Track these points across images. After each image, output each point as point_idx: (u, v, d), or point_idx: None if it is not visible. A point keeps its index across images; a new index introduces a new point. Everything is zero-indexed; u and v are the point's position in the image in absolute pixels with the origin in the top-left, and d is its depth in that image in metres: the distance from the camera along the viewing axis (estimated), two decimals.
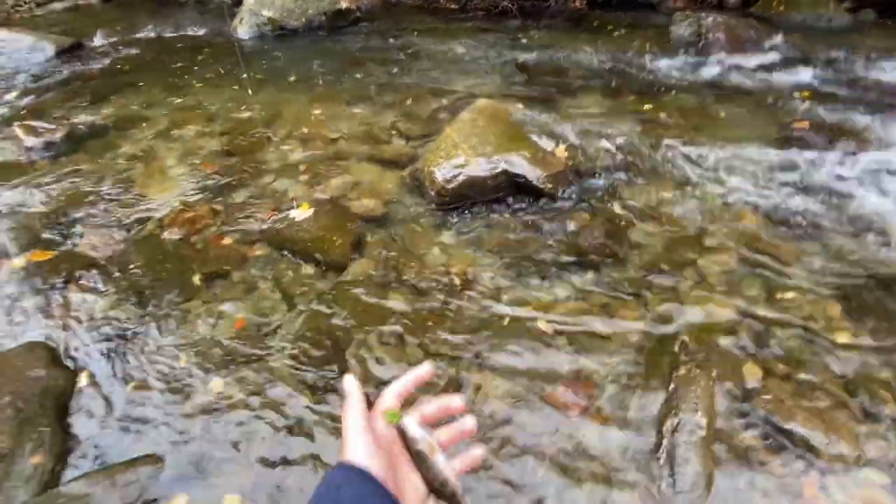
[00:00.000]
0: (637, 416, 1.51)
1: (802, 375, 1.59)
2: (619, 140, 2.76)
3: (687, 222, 2.26)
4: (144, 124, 3.41)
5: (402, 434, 0.61)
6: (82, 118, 3.51)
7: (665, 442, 1.42)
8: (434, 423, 0.65)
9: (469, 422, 0.65)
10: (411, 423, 0.61)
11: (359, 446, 0.57)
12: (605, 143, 2.76)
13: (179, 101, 3.74)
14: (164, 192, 2.70)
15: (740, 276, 1.97)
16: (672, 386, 1.56)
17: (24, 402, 1.47)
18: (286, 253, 2.23)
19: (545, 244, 2.20)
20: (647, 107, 3.16)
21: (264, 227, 2.36)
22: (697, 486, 1.33)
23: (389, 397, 0.64)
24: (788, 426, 1.43)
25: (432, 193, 2.42)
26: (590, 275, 2.05)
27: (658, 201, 2.39)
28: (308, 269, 2.15)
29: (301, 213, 2.38)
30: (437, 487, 0.60)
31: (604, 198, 2.43)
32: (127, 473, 1.32)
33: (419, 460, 0.60)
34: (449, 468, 0.60)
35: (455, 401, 0.65)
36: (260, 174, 2.79)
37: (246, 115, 3.47)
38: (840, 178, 2.42)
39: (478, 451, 0.65)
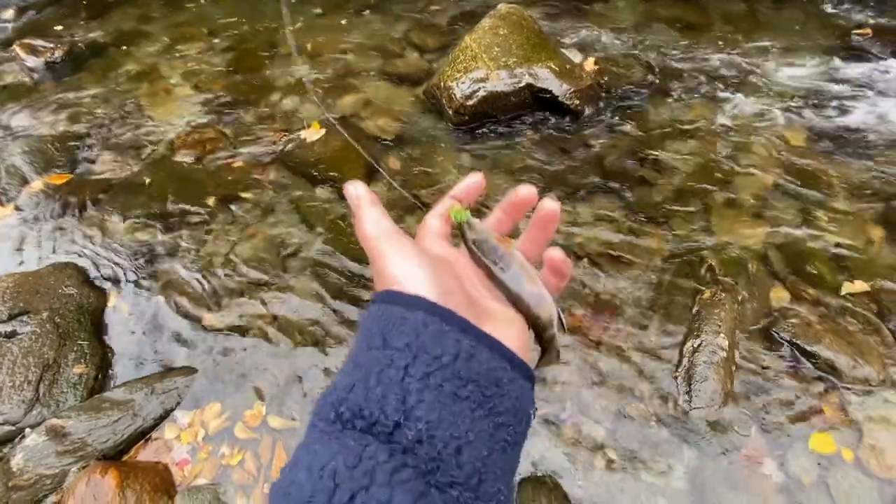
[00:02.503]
0: (657, 337, 1.51)
1: (833, 300, 1.54)
2: (654, 52, 2.51)
3: (722, 142, 2.10)
4: (145, 41, 3.23)
5: (473, 243, 0.41)
6: (81, 35, 3.34)
7: (685, 361, 1.42)
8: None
9: (548, 204, 0.41)
10: (480, 224, 0.42)
11: (406, 262, 0.35)
12: (637, 55, 2.52)
13: (178, 15, 3.50)
14: (172, 113, 2.61)
15: (775, 199, 1.86)
16: (696, 308, 1.53)
17: (60, 317, 1.52)
18: (299, 175, 2.17)
19: (569, 166, 2.09)
20: (687, 13, 2.84)
21: (276, 148, 2.28)
22: (714, 403, 1.35)
23: (448, 201, 0.43)
24: (813, 349, 1.41)
25: (450, 112, 2.28)
26: (615, 198, 1.96)
27: (692, 119, 2.21)
28: (323, 192, 2.10)
29: (312, 133, 2.28)
30: (533, 315, 0.40)
31: (633, 116, 2.26)
32: (165, 382, 1.39)
33: (505, 277, 0.40)
34: (542, 286, 0.41)
35: (522, 189, 0.42)
36: (267, 93, 2.66)
37: (250, 28, 3.24)
38: None
39: (556, 254, 0.41)
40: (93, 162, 2.35)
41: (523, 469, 1.27)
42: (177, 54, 3.05)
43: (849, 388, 1.35)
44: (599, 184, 2.03)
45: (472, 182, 0.44)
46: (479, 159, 2.18)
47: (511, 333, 0.37)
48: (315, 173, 2.16)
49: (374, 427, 0.28)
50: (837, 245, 1.68)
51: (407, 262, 0.35)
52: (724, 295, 1.54)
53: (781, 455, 1.27)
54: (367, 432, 0.28)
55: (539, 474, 1.26)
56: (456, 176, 2.11)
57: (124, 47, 3.18)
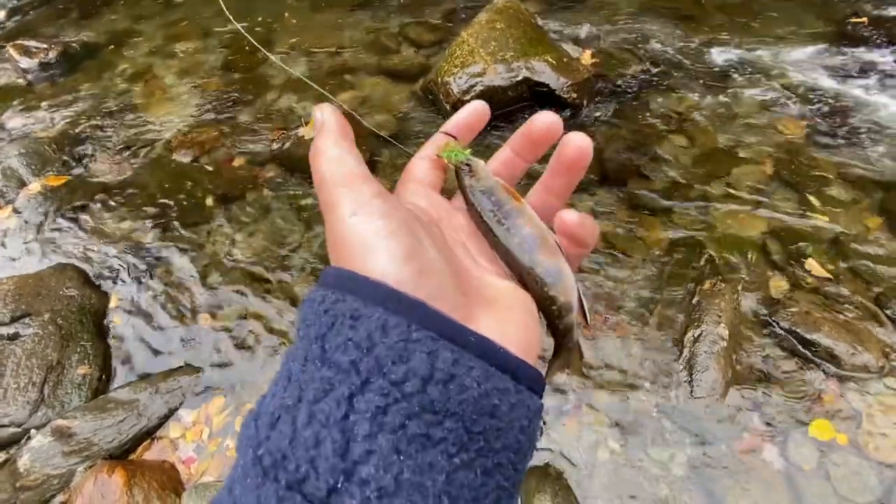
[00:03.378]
0: (658, 328, 1.52)
1: (832, 288, 1.55)
2: (651, 43, 2.51)
3: (720, 133, 2.11)
4: (139, 40, 3.22)
5: (472, 193, 0.31)
6: (74, 35, 3.32)
7: (686, 351, 1.43)
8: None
9: (574, 140, 0.30)
10: (483, 168, 0.32)
11: (368, 222, 0.24)
12: (634, 47, 2.52)
13: (171, 13, 3.48)
14: (168, 112, 2.60)
15: (773, 189, 1.87)
16: (696, 299, 1.54)
17: (63, 318, 1.52)
18: (298, 174, 2.17)
19: None
20: (684, 4, 2.84)
21: (273, 147, 2.28)
22: (715, 392, 1.36)
23: (440, 137, 0.34)
24: (812, 337, 1.42)
25: (447, 107, 2.28)
26: (614, 191, 1.96)
27: (690, 110, 2.22)
28: None
29: (309, 131, 2.28)
30: (547, 296, 0.30)
31: (631, 108, 2.26)
32: (168, 381, 1.39)
33: (506, 239, 0.30)
34: (562, 256, 0.30)
35: (541, 117, 0.31)
36: (264, 91, 2.66)
37: (245, 26, 3.23)
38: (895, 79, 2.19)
39: (570, 217, 0.30)
40: (90, 163, 2.34)
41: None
42: (171, 54, 3.04)
43: (848, 375, 1.37)
44: (597, 177, 2.03)
45: (472, 111, 0.33)
46: (477, 154, 2.18)
47: (515, 324, 0.26)
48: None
49: (302, 485, 0.19)
50: (835, 234, 1.69)
51: (370, 221, 0.23)
52: (723, 285, 1.55)
53: (782, 442, 1.29)
54: (294, 490, 0.19)
55: (542, 465, 1.27)
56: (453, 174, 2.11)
57: (118, 47, 3.16)
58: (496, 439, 0.21)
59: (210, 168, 2.23)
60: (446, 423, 0.20)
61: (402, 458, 0.19)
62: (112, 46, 3.19)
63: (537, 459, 1.28)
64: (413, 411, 0.20)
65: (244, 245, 1.91)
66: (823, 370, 1.39)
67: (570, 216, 0.30)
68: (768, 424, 1.32)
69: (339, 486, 0.19)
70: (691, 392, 1.36)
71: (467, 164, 0.33)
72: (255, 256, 1.86)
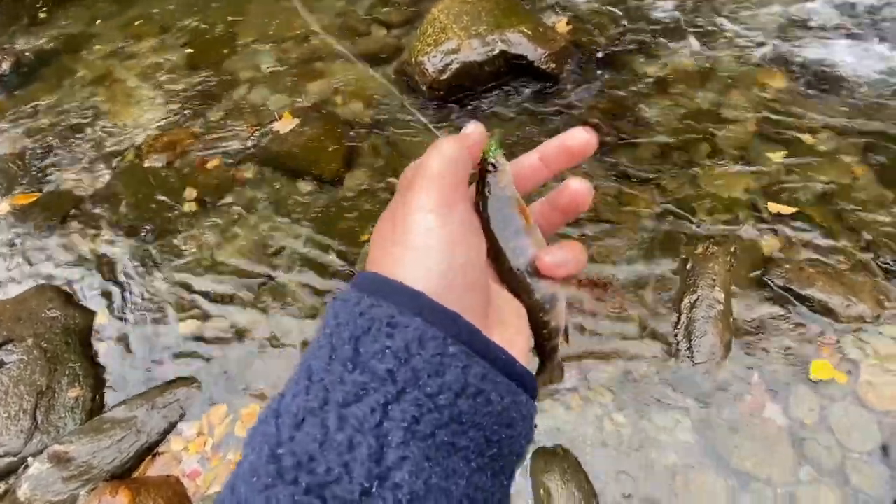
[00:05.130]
0: (654, 297, 1.51)
1: (824, 241, 1.55)
2: (626, 6, 2.44)
3: (703, 92, 2.07)
4: (96, 43, 3.07)
5: (489, 200, 0.31)
6: (26, 44, 3.16)
7: (683, 318, 1.43)
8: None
9: (573, 186, 0.32)
10: (508, 174, 0.32)
11: (429, 235, 0.24)
12: (610, 11, 2.46)
13: (127, 12, 3.32)
14: (135, 117, 2.50)
15: (759, 145, 1.85)
16: (690, 265, 1.53)
17: (47, 342, 1.48)
18: (277, 171, 2.11)
19: (550, 131, 2.06)
20: None
21: (249, 144, 2.21)
22: (714, 356, 1.36)
23: (480, 129, 0.33)
24: (807, 292, 1.42)
25: (424, 88, 2.21)
26: (600, 160, 1.93)
27: (670, 72, 2.18)
28: (303, 186, 2.05)
29: (285, 124, 2.21)
30: (543, 320, 0.32)
31: (611, 74, 2.21)
32: (165, 395, 1.36)
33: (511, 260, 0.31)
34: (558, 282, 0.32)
35: (578, 134, 0.33)
36: (233, 86, 2.56)
37: (206, 19, 3.09)
38: (882, 20, 2.17)
39: (578, 186, 0.33)
40: (59, 177, 2.25)
41: (535, 442, 1.29)
42: (131, 54, 2.91)
43: (844, 328, 1.38)
44: None
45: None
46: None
47: (520, 335, 0.28)
48: (293, 166, 2.10)
49: (326, 489, 0.19)
50: (823, 186, 1.68)
51: (440, 225, 0.24)
52: (716, 248, 1.54)
53: (783, 399, 1.30)
54: (313, 495, 0.19)
55: (550, 445, 1.27)
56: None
57: (75, 52, 3.02)
58: (508, 446, 0.23)
59: (185, 172, 2.16)
60: (470, 433, 0.22)
61: (430, 464, 0.20)
62: (68, 52, 3.05)
63: (544, 439, 1.29)
64: (443, 422, 0.21)
65: (229, 248, 1.86)
66: (820, 324, 1.40)
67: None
68: (769, 383, 1.33)
69: (374, 490, 0.19)
70: (691, 358, 1.37)
71: (494, 165, 0.32)
72: (241, 259, 1.82)
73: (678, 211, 1.72)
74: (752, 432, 1.26)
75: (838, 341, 1.36)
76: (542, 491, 1.15)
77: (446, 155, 0.28)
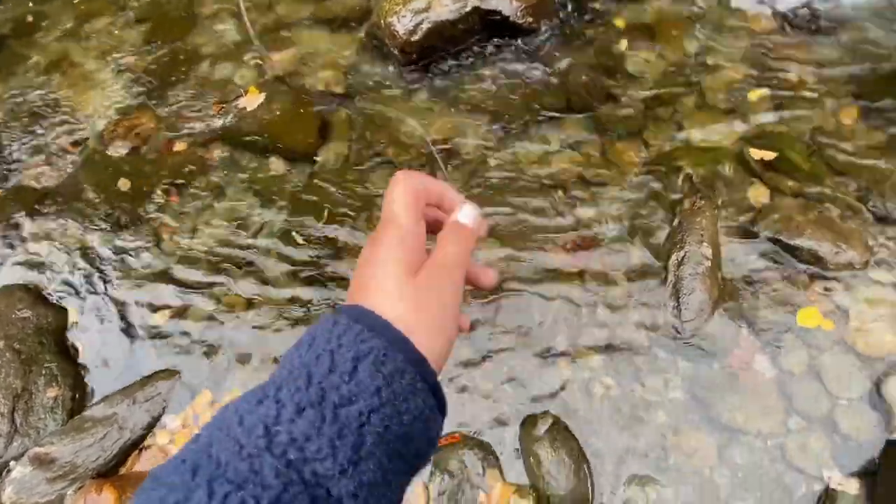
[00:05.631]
0: (641, 257, 1.48)
1: (812, 189, 1.51)
2: None
3: (687, 40, 1.98)
4: (47, 25, 2.89)
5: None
6: None
7: (670, 276, 1.40)
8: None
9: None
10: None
11: (398, 282, 0.31)
12: None
13: None
14: (95, 102, 2.38)
15: (747, 94, 1.78)
16: (677, 221, 1.49)
17: (20, 343, 1.44)
18: (247, 149, 2.02)
19: (530, 91, 1.97)
20: None
21: (216, 123, 2.10)
22: (703, 313, 1.34)
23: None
24: (796, 242, 1.39)
25: (395, 52, 2.10)
26: (582, 119, 1.86)
27: (654, 21, 2.07)
28: (276, 164, 1.97)
29: (251, 99, 2.10)
30: None
31: (592, 26, 2.10)
32: (146, 389, 1.34)
33: None
34: None
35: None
36: (195, 62, 2.42)
37: None
38: None
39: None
40: (21, 172, 2.15)
41: (524, 410, 1.27)
42: (86, 35, 2.74)
43: (833, 275, 1.35)
44: (564, 105, 1.92)
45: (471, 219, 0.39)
46: (436, 100, 2.04)
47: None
48: (264, 143, 2.01)
49: (307, 465, 0.25)
50: (812, 131, 1.63)
51: (401, 281, 0.32)
52: (703, 202, 1.49)
53: (772, 351, 1.29)
54: (293, 469, 0.25)
55: (539, 412, 1.26)
56: (414, 122, 1.98)
57: (25, 37, 2.84)
58: (426, 450, 0.31)
59: (151, 157, 2.06)
60: (412, 445, 0.29)
61: (386, 462, 0.27)
62: (17, 37, 2.87)
63: (533, 407, 1.28)
64: (401, 433, 0.28)
65: (203, 234, 1.80)
66: (809, 273, 1.38)
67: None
68: (758, 336, 1.32)
69: (349, 471, 0.25)
70: (679, 316, 1.35)
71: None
72: (216, 244, 1.76)
73: (665, 166, 1.67)
74: (742, 386, 1.25)
75: (827, 289, 1.34)
76: (531, 459, 1.15)
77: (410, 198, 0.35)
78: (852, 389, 1.20)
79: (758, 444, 1.17)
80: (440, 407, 0.31)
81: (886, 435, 1.11)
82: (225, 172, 1.96)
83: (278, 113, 2.05)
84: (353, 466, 0.25)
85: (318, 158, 1.94)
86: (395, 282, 0.31)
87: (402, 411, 0.28)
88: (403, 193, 0.34)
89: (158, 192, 1.94)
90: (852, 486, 1.05)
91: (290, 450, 0.25)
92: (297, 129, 2.01)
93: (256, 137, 2.01)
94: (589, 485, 1.12)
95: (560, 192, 1.70)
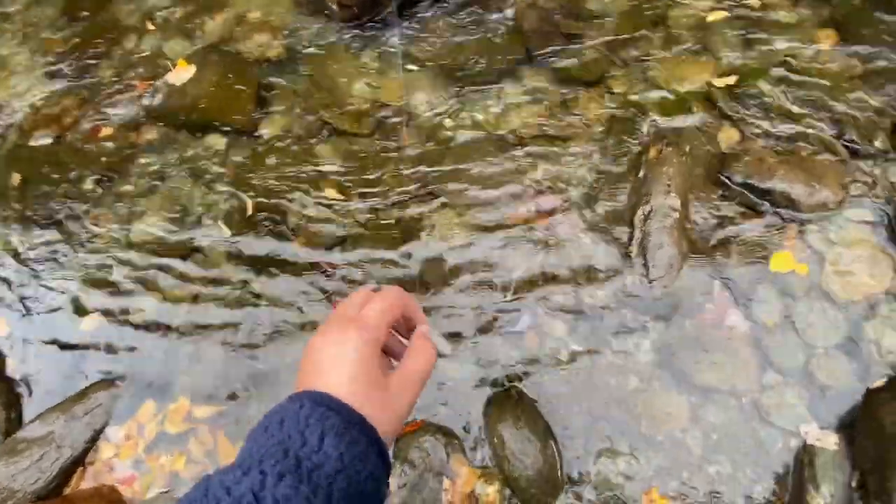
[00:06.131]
0: (607, 214, 1.38)
1: (785, 126, 1.40)
2: None
3: None
4: None
5: None
6: None
7: (637, 232, 1.31)
8: None
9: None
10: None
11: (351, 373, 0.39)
12: None
13: None
14: (12, 89, 2.15)
15: (716, 28, 1.63)
16: (642, 172, 1.39)
17: None
18: (181, 128, 1.85)
19: (484, 42, 1.80)
20: None
21: (144, 103, 1.92)
22: (672, 269, 1.26)
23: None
24: (768, 185, 1.30)
25: (334, 7, 1.91)
26: (544, 67, 1.71)
27: None
28: (214, 141, 1.81)
29: (180, 73, 1.91)
30: None
31: None
32: (85, 402, 1.24)
33: None
34: None
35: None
36: (119, 36, 2.19)
37: None
38: None
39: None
40: None
41: (488, 388, 1.21)
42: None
43: (807, 218, 1.27)
44: (523, 55, 1.77)
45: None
46: (383, 58, 1.87)
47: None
48: (198, 119, 1.83)
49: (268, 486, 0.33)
50: (784, 62, 1.50)
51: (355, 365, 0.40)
52: (669, 150, 1.39)
53: (746, 303, 1.22)
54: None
55: (504, 389, 1.19)
56: (362, 84, 1.82)
57: None
58: (377, 500, 0.38)
59: (77, 145, 1.89)
60: (367, 496, 0.36)
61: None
62: None
63: (499, 384, 1.21)
64: (359, 489, 0.36)
65: (142, 225, 1.66)
66: (782, 217, 1.29)
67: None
68: (730, 289, 1.24)
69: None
70: (647, 274, 1.26)
71: None
72: (158, 235, 1.62)
73: (630, 114, 1.55)
74: (715, 343, 1.19)
75: (801, 233, 1.26)
76: (495, 440, 1.09)
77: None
78: (829, 338, 1.14)
79: (732, 402, 1.12)
80: (386, 468, 0.38)
81: (866, 383, 1.07)
82: (159, 156, 1.80)
83: (211, 86, 1.86)
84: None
85: (260, 132, 1.78)
86: (352, 371, 0.38)
87: (360, 470, 0.35)
88: (390, 309, 0.43)
89: (89, 183, 1.78)
90: (830, 441, 1.01)
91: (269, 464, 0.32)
92: (233, 102, 1.83)
93: (190, 114, 1.84)
94: (557, 462, 1.07)
95: (521, 150, 1.58)
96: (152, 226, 1.64)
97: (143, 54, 2.09)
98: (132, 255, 1.59)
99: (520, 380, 1.21)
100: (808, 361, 1.13)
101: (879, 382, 1.05)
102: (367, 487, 0.36)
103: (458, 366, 1.24)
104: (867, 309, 1.15)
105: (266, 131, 1.78)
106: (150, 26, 2.17)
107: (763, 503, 1.01)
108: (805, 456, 1.01)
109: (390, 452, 0.40)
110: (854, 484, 0.95)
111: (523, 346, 1.26)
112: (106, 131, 1.89)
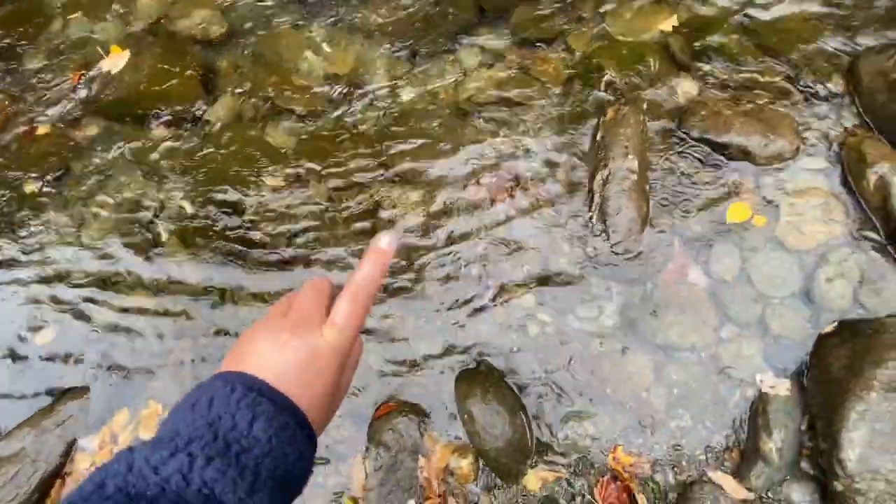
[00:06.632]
0: (566, 181, 1.37)
1: (742, 74, 1.38)
2: None
3: None
4: None
5: None
6: None
7: (596, 197, 1.30)
8: None
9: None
10: None
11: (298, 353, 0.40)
12: None
13: None
14: None
15: None
16: (600, 135, 1.36)
17: None
18: (123, 120, 1.75)
19: (436, 8, 1.72)
20: None
21: (80, 95, 1.80)
22: (632, 232, 1.27)
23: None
24: (724, 139, 1.29)
25: None
26: (498, 29, 1.65)
27: None
28: (160, 132, 1.72)
29: (115, 59, 1.79)
30: None
31: None
32: (54, 415, 1.23)
33: None
34: None
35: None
36: (45, 23, 2.04)
37: None
38: None
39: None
40: None
41: (457, 365, 1.22)
42: None
43: (763, 169, 1.27)
44: (476, 15, 1.69)
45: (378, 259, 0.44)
46: (331, 30, 1.77)
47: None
48: (141, 109, 1.74)
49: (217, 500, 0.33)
50: (742, 9, 1.46)
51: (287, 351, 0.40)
52: (626, 109, 1.36)
53: (704, 259, 1.24)
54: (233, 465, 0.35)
55: (472, 366, 1.21)
56: (310, 59, 1.73)
57: None
58: (302, 482, 0.40)
59: (13, 147, 1.78)
60: (293, 478, 0.38)
61: (277, 491, 0.36)
62: None
63: (467, 359, 1.22)
64: (285, 470, 0.37)
65: (94, 228, 1.60)
66: (739, 171, 1.29)
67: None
68: (689, 245, 1.26)
69: (247, 500, 0.34)
70: (608, 239, 1.27)
71: None
72: (112, 236, 1.57)
73: (587, 74, 1.50)
74: (676, 302, 1.21)
75: (758, 185, 1.26)
76: (466, 416, 1.11)
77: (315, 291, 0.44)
78: (784, 288, 1.17)
79: (692, 358, 1.15)
80: (313, 448, 0.39)
81: (818, 330, 1.10)
82: (104, 152, 1.71)
83: (150, 71, 1.75)
84: (250, 496, 0.33)
85: (208, 118, 1.70)
86: (283, 356, 0.39)
87: (288, 453, 0.36)
88: (316, 298, 0.43)
89: (31, 186, 1.69)
90: (783, 388, 1.06)
91: (203, 490, 0.32)
92: (176, 88, 1.73)
93: (131, 105, 1.73)
94: (527, 431, 1.10)
95: (479, 118, 1.53)
96: (103, 227, 1.58)
97: (72, 42, 1.95)
98: (84, 260, 1.54)
99: (488, 354, 1.22)
100: (764, 313, 1.16)
101: (829, 328, 1.09)
102: (295, 469, 0.37)
103: (426, 344, 1.25)
104: (820, 257, 1.18)
105: (214, 117, 1.69)
106: (75, 10, 2.01)
107: (721, 451, 1.07)
108: (759, 404, 1.06)
109: (321, 436, 0.40)
110: (804, 427, 0.99)
111: (490, 320, 1.27)
112: (42, 130, 1.78)
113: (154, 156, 1.68)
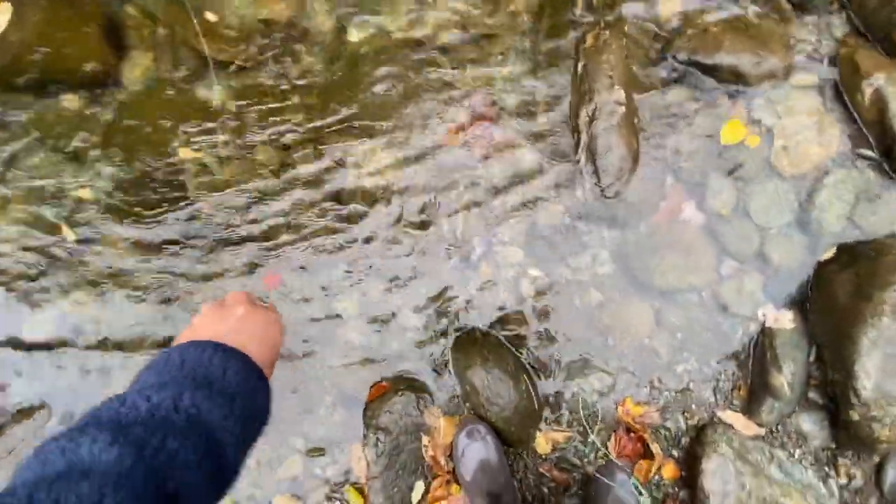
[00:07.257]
0: (548, 122, 1.24)
1: None
2: None
3: None
4: None
5: None
6: None
7: (583, 137, 1.19)
8: None
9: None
10: None
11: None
12: None
13: None
14: None
15: None
16: (581, 64, 1.23)
17: None
18: (19, 91, 1.46)
19: None
20: None
21: None
22: (623, 171, 1.17)
23: None
24: (714, 61, 1.19)
25: None
26: None
27: None
28: (69, 101, 1.45)
29: None
30: None
31: None
32: (5, 438, 1.08)
33: None
34: None
35: None
36: None
37: None
38: None
39: None
40: None
41: (447, 331, 1.13)
42: None
43: (755, 91, 1.19)
44: None
45: None
46: None
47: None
48: (38, 76, 1.45)
49: (203, 417, 0.42)
50: None
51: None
52: (607, 33, 1.22)
53: (700, 194, 1.17)
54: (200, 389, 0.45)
55: (467, 330, 1.12)
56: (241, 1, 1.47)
57: None
58: (266, 413, 0.51)
59: None
60: (259, 409, 0.49)
61: (248, 416, 0.46)
62: None
63: (458, 323, 1.13)
64: (254, 405, 0.48)
65: (3, 224, 1.36)
66: (730, 95, 1.20)
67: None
68: (683, 181, 1.18)
69: (230, 416, 0.44)
70: (599, 182, 1.17)
71: None
72: (28, 234, 1.34)
73: None
74: (672, 242, 1.15)
75: (750, 109, 1.18)
76: (468, 387, 1.04)
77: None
78: (781, 216, 1.12)
79: (693, 299, 1.11)
80: (269, 391, 0.50)
81: (816, 257, 1.07)
82: (5, 132, 1.43)
83: (41, 28, 1.44)
84: (232, 414, 0.43)
85: (121, 80, 1.44)
86: (235, 324, 0.53)
87: (255, 388, 0.47)
88: (240, 293, 0.60)
89: None
90: (787, 320, 1.03)
91: (190, 410, 0.40)
92: (77, 47, 1.44)
93: (24, 71, 1.44)
94: (532, 393, 1.05)
95: (442, 57, 1.36)
96: (18, 221, 1.35)
97: None
98: (9, 265, 1.32)
99: (479, 316, 1.14)
100: (763, 244, 1.12)
101: (829, 254, 1.06)
102: (260, 402, 0.47)
103: (415, 314, 1.15)
104: (816, 180, 1.13)
105: (129, 78, 1.43)
106: None
107: (729, 390, 1.05)
108: (765, 339, 1.03)
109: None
110: (811, 358, 0.98)
111: (479, 276, 1.17)
112: None
113: (65, 134, 1.43)
